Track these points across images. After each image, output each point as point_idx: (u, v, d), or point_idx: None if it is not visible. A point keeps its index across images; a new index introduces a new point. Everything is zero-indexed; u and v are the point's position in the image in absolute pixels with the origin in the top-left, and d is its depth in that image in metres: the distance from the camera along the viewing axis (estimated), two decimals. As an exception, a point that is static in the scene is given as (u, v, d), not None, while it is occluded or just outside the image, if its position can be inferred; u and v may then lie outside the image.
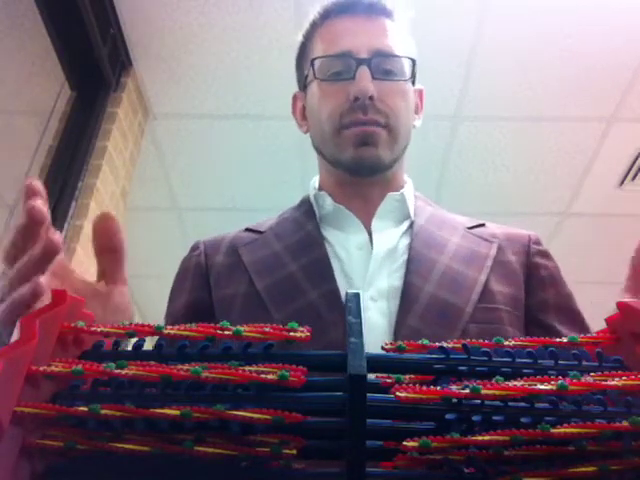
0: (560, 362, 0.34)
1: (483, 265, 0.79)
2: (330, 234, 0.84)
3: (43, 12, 2.07)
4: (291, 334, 0.36)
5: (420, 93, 0.94)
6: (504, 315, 0.75)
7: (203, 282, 0.84)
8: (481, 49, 2.36)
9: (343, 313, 0.72)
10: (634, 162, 2.78)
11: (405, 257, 0.79)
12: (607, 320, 0.40)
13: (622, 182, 2.88)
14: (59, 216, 2.07)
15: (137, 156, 2.55)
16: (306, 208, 0.89)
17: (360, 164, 0.84)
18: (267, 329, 0.36)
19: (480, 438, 0.31)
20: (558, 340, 0.36)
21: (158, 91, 2.53)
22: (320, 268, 0.78)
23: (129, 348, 0.37)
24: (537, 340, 0.36)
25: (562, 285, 0.83)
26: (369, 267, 0.78)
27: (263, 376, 0.33)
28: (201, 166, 2.83)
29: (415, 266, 0.77)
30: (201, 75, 2.47)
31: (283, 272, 0.78)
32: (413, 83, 0.88)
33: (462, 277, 0.77)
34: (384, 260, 0.79)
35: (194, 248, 0.90)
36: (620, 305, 0.39)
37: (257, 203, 2.88)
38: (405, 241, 0.82)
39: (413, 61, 0.86)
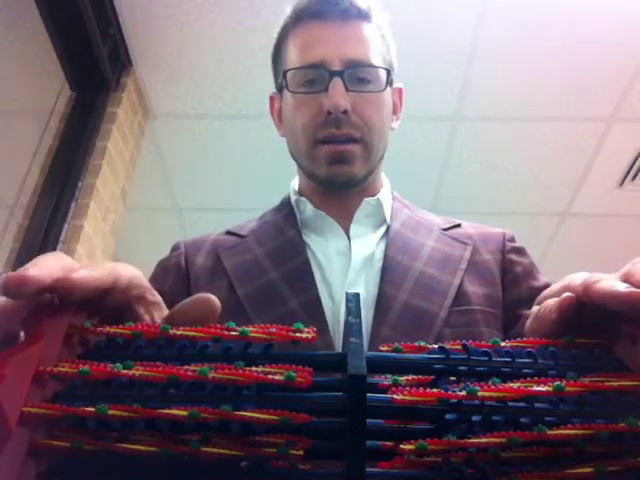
0: (560, 362, 0.34)
1: (457, 268, 0.79)
2: (311, 240, 0.84)
3: (43, 12, 2.07)
4: (297, 335, 0.36)
5: (399, 92, 0.92)
6: (479, 316, 0.76)
7: (182, 284, 0.83)
8: (481, 49, 2.36)
9: (323, 321, 0.72)
10: (634, 162, 2.78)
11: (380, 264, 0.79)
12: None
13: (622, 182, 2.89)
14: (59, 216, 2.07)
15: (137, 156, 2.55)
16: (287, 212, 0.89)
17: (334, 181, 0.84)
18: (273, 330, 0.36)
19: (477, 440, 0.31)
20: (555, 340, 0.36)
21: (158, 91, 2.53)
22: (301, 276, 0.78)
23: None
24: (534, 341, 0.36)
25: (536, 279, 0.84)
26: (348, 275, 0.79)
27: (270, 377, 0.33)
28: (201, 166, 2.83)
29: (389, 274, 0.77)
30: (201, 75, 2.47)
31: (264, 279, 0.78)
32: (391, 85, 0.87)
33: (436, 282, 0.77)
34: (362, 268, 0.80)
35: (174, 248, 0.89)
36: None
37: (257, 203, 2.88)
38: (381, 247, 0.82)
39: (388, 71, 0.85)
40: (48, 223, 2.06)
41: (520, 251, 0.86)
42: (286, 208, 0.90)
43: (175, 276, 0.84)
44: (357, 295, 0.35)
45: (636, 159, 2.77)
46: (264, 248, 0.83)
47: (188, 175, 2.88)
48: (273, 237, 0.85)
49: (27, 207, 2.13)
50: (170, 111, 2.60)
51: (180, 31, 2.32)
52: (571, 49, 2.35)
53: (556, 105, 2.55)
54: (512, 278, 0.82)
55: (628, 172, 2.83)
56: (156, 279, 0.86)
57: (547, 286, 0.87)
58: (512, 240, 0.87)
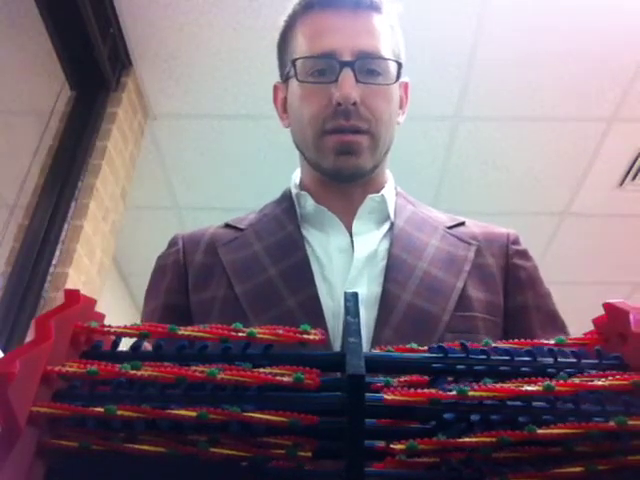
0: (559, 361, 0.34)
1: (461, 270, 0.78)
2: (311, 235, 0.83)
3: (43, 12, 2.07)
4: (304, 336, 0.36)
5: (405, 86, 0.91)
6: (480, 323, 0.75)
7: (180, 283, 0.82)
8: (481, 49, 2.36)
9: (322, 320, 0.71)
10: (634, 162, 2.78)
11: (384, 262, 0.78)
12: (594, 321, 0.40)
13: (622, 182, 2.88)
14: (59, 216, 2.07)
15: (137, 156, 2.55)
16: (287, 205, 0.87)
17: (340, 172, 0.82)
18: (280, 331, 0.36)
19: (467, 439, 0.31)
20: (545, 342, 0.36)
21: (158, 91, 2.53)
22: (299, 273, 0.76)
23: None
24: (525, 342, 0.36)
25: (540, 285, 0.83)
26: (349, 272, 0.77)
27: (278, 378, 0.33)
28: (201, 166, 2.82)
29: (393, 273, 0.76)
30: (201, 75, 2.46)
31: (262, 276, 0.77)
32: (398, 78, 0.85)
33: (439, 283, 0.76)
34: (364, 265, 0.78)
35: (172, 244, 0.88)
36: (606, 306, 0.39)
37: (257, 203, 2.87)
38: (385, 244, 0.81)
39: (399, 64, 0.84)
40: (48, 223, 2.06)
41: (524, 255, 0.85)
42: (286, 201, 0.88)
43: (172, 274, 0.83)
44: (355, 294, 0.35)
45: (636, 159, 2.77)
46: (263, 243, 0.82)
47: (188, 175, 2.88)
48: (272, 231, 0.84)
49: (27, 207, 2.12)
50: (170, 111, 2.60)
51: (180, 31, 2.32)
52: (571, 50, 2.34)
53: (556, 105, 2.55)
54: (516, 283, 0.81)
55: (628, 172, 2.82)
56: (154, 278, 0.86)
57: (549, 294, 0.86)
58: (516, 242, 0.86)
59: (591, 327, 0.44)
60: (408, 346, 0.35)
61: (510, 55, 2.37)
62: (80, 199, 2.14)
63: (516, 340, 0.36)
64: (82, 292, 0.40)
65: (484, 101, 2.54)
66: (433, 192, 2.94)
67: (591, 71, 2.41)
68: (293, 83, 0.85)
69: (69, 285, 1.98)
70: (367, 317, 0.72)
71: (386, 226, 0.84)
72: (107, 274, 2.37)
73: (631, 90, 2.47)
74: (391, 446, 0.32)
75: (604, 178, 2.86)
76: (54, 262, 2.00)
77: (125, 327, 0.37)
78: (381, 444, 0.34)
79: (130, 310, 3.43)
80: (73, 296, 0.38)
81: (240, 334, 0.36)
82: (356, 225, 0.83)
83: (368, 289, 0.76)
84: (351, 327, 0.33)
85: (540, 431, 0.31)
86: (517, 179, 2.87)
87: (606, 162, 2.77)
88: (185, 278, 0.82)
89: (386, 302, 0.73)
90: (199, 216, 3.08)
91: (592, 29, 2.28)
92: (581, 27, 2.27)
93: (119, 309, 3.29)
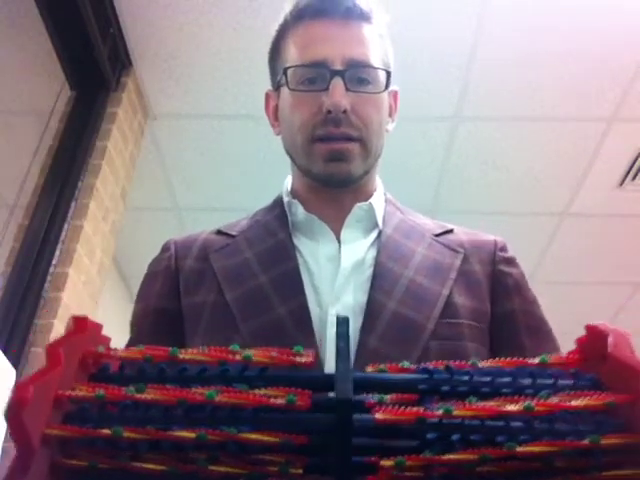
0: (537, 381, 0.36)
1: (447, 277, 0.79)
2: (302, 243, 0.84)
3: (43, 12, 2.08)
4: (297, 359, 0.38)
5: (395, 95, 0.93)
6: (466, 330, 0.76)
7: (171, 287, 0.83)
8: (481, 49, 2.36)
9: (310, 329, 0.72)
10: (634, 162, 2.78)
11: (371, 271, 0.79)
12: (577, 341, 0.41)
13: (622, 182, 2.89)
14: (59, 216, 2.08)
15: (137, 156, 2.56)
16: (279, 212, 0.88)
17: (331, 178, 0.84)
18: (274, 354, 0.38)
19: (452, 456, 0.32)
20: (530, 361, 0.37)
21: (158, 91, 2.54)
22: (290, 281, 0.78)
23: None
24: (511, 362, 0.37)
25: (527, 291, 0.85)
26: (336, 281, 0.78)
27: (272, 400, 0.34)
28: (201, 166, 2.83)
29: (379, 282, 0.77)
30: (201, 75, 2.47)
31: (253, 283, 0.78)
32: (387, 87, 0.86)
33: (425, 291, 0.77)
34: (351, 274, 0.79)
35: (165, 249, 0.89)
36: (588, 328, 0.40)
37: (257, 203, 2.87)
38: (372, 253, 0.82)
39: (388, 73, 0.85)
40: (48, 223, 2.06)
41: (511, 262, 0.86)
42: (278, 208, 0.89)
43: (164, 279, 0.85)
44: (346, 319, 0.36)
45: (636, 159, 2.77)
46: (253, 250, 0.83)
47: (188, 175, 2.88)
48: (263, 239, 0.85)
49: (27, 207, 2.13)
50: (170, 111, 2.61)
51: (180, 31, 2.32)
52: (571, 50, 2.35)
53: (556, 105, 2.56)
54: (503, 290, 0.82)
55: (628, 172, 2.83)
56: (145, 282, 0.88)
57: (536, 300, 0.87)
58: (503, 249, 0.87)
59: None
60: (400, 365, 0.36)
61: (510, 55, 2.38)
62: (80, 199, 2.15)
63: (502, 359, 0.37)
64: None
65: (484, 101, 2.55)
66: (432, 192, 2.94)
67: (591, 71, 2.42)
68: (284, 91, 0.86)
69: (69, 285, 1.99)
70: (353, 325, 0.73)
71: (374, 234, 0.85)
72: (107, 274, 2.38)
73: (631, 90, 2.47)
74: (381, 463, 0.33)
75: (604, 178, 2.87)
76: (54, 262, 2.01)
77: (130, 351, 0.39)
78: (371, 460, 0.35)
79: (130, 311, 3.44)
80: (81, 323, 0.41)
81: (237, 357, 0.37)
82: (344, 233, 0.84)
83: (354, 297, 0.77)
84: (341, 352, 0.34)
85: (519, 449, 0.32)
86: (517, 179, 2.88)
87: (606, 162, 2.78)
88: (176, 282, 0.83)
89: (371, 310, 0.75)
90: (199, 217, 3.08)
91: (592, 29, 2.28)
92: (581, 27, 2.28)
93: (119, 309, 3.30)
